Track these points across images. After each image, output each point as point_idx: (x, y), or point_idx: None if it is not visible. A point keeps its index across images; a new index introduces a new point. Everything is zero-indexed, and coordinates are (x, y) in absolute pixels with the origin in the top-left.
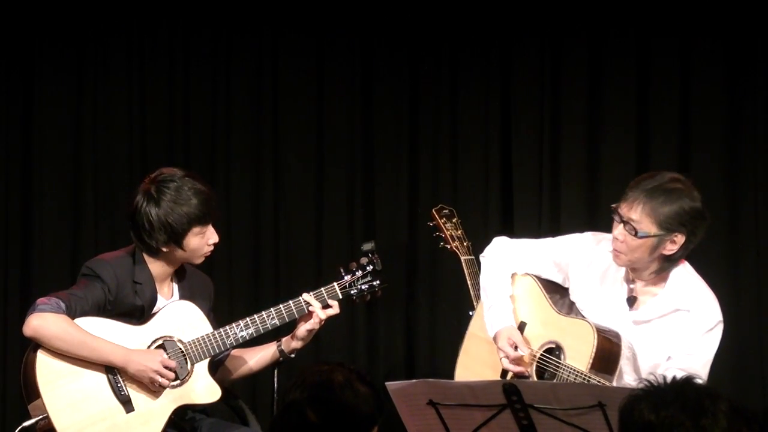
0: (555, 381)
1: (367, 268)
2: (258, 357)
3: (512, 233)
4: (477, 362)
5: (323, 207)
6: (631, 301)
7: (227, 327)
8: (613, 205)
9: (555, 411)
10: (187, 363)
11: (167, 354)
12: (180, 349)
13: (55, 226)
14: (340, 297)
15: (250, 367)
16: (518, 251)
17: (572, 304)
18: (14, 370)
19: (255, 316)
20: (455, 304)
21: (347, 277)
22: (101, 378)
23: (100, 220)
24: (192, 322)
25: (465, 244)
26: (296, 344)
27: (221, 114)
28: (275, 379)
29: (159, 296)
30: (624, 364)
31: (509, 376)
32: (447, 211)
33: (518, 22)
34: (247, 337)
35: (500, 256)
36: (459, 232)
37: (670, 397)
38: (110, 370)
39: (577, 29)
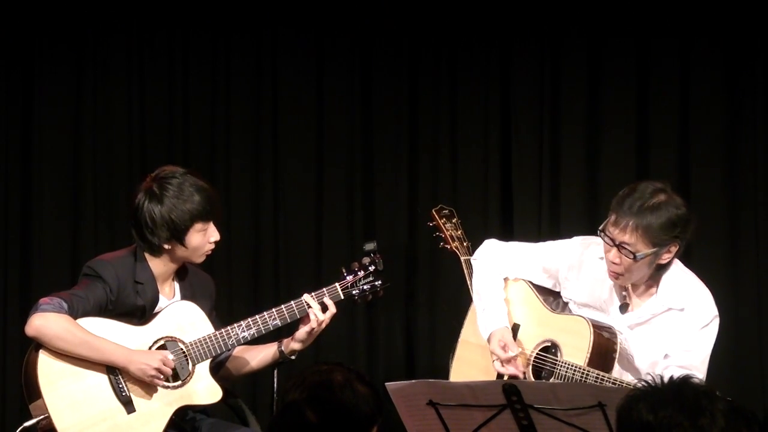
0: (553, 379)
1: (370, 268)
2: (260, 357)
3: (512, 233)
4: (471, 368)
5: (323, 207)
6: (624, 307)
7: (229, 328)
8: (600, 228)
9: (555, 411)
10: (188, 364)
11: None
12: (181, 349)
13: (55, 226)
14: (342, 297)
15: (251, 367)
16: (508, 255)
17: (566, 304)
18: (14, 370)
19: (257, 316)
20: (455, 304)
21: (349, 278)
22: (103, 378)
23: (100, 220)
24: (193, 323)
25: (465, 244)
26: (296, 346)
27: (221, 114)
28: (275, 379)
29: (161, 296)
30: (622, 356)
31: (504, 378)
32: (447, 211)
33: (518, 22)
34: (249, 338)
35: (492, 259)
36: (459, 232)
37: (668, 397)
38: (112, 370)
39: (577, 29)
